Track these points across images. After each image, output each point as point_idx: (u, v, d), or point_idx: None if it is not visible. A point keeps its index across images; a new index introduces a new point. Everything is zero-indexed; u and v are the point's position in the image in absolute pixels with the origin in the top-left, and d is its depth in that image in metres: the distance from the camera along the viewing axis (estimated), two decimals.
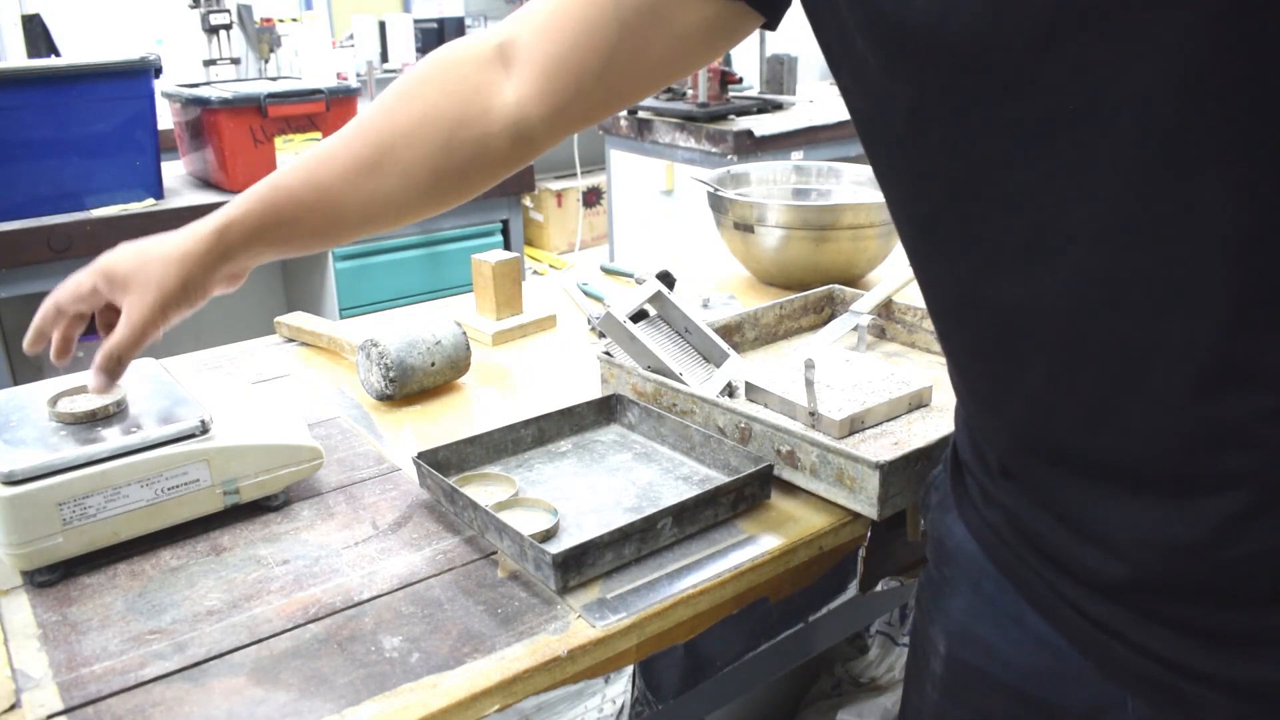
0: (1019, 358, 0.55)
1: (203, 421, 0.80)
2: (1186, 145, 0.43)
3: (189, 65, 3.68)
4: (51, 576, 0.76)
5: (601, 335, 1.11)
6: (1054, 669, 0.62)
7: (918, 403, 1.00)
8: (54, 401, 0.81)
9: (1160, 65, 0.42)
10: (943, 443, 0.83)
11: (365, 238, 0.83)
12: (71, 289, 0.79)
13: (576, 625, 0.70)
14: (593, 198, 4.69)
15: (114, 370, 0.79)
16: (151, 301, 0.76)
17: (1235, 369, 0.46)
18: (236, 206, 0.78)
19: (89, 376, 0.80)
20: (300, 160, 0.78)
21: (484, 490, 0.86)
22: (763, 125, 2.88)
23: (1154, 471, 0.51)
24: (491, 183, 0.79)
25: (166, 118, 2.31)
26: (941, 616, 0.71)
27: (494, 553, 0.79)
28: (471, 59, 0.76)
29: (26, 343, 0.81)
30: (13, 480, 0.72)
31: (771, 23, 0.71)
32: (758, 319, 1.18)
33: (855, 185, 1.56)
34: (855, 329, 1.17)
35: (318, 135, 2.22)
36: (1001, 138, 0.49)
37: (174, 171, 2.35)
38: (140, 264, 0.77)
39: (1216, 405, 0.47)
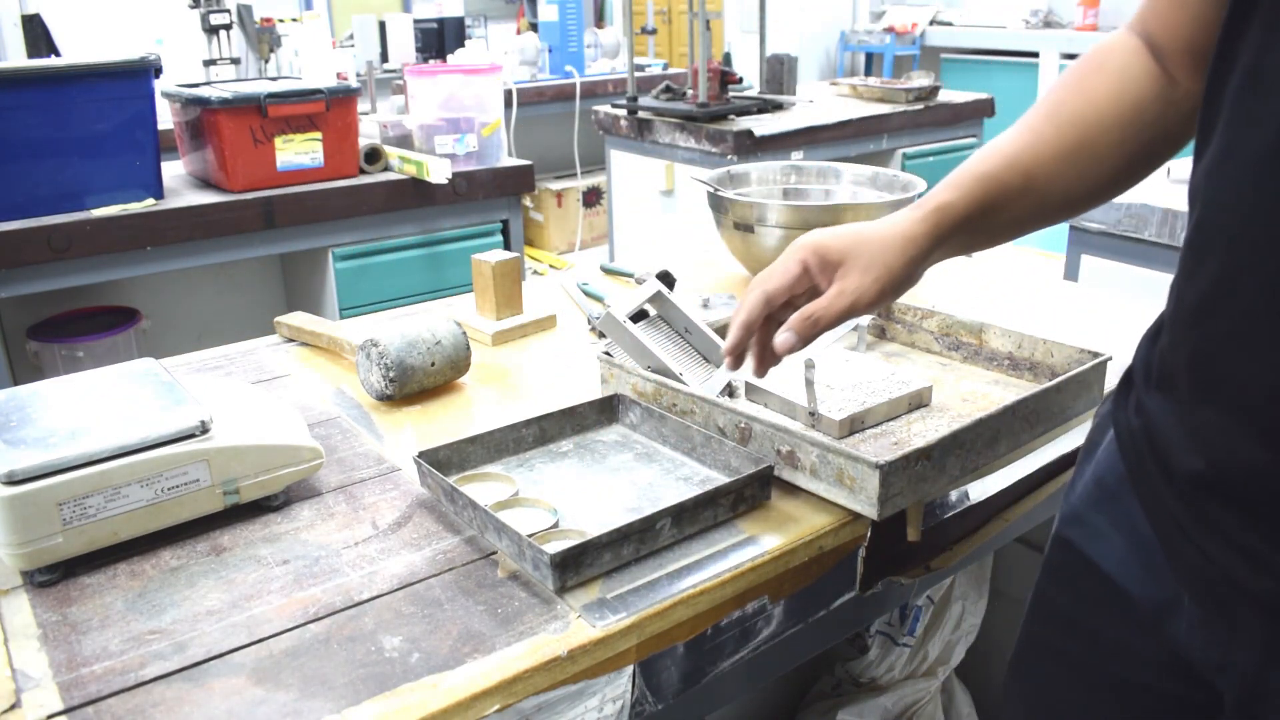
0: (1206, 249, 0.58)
1: (203, 421, 0.80)
2: None
3: (189, 65, 3.68)
4: (51, 576, 0.76)
5: (601, 335, 1.11)
6: (1142, 561, 0.68)
7: (918, 403, 1.00)
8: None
9: None
10: (942, 443, 0.83)
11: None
12: (779, 275, 0.77)
13: (576, 625, 0.70)
14: (593, 198, 4.70)
15: (807, 333, 0.77)
16: (874, 279, 0.76)
17: None
18: (946, 192, 0.77)
19: (779, 335, 0.78)
20: (995, 148, 0.78)
21: (484, 490, 0.86)
22: (763, 125, 2.88)
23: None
24: (1163, 162, 0.80)
25: (166, 118, 2.31)
26: (1064, 503, 0.78)
27: (494, 553, 0.79)
28: (1125, 49, 0.78)
29: (729, 346, 0.78)
30: (13, 480, 0.72)
31: None
32: None
33: (855, 185, 1.56)
34: (855, 329, 1.17)
35: (318, 135, 2.22)
36: None
37: (174, 171, 2.35)
38: (856, 243, 0.76)
39: None
